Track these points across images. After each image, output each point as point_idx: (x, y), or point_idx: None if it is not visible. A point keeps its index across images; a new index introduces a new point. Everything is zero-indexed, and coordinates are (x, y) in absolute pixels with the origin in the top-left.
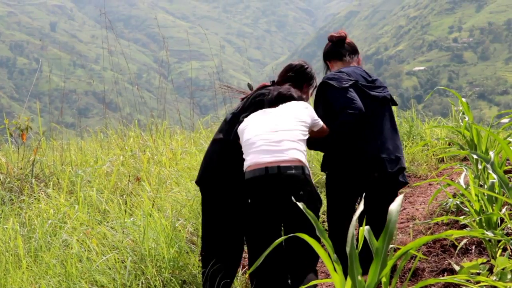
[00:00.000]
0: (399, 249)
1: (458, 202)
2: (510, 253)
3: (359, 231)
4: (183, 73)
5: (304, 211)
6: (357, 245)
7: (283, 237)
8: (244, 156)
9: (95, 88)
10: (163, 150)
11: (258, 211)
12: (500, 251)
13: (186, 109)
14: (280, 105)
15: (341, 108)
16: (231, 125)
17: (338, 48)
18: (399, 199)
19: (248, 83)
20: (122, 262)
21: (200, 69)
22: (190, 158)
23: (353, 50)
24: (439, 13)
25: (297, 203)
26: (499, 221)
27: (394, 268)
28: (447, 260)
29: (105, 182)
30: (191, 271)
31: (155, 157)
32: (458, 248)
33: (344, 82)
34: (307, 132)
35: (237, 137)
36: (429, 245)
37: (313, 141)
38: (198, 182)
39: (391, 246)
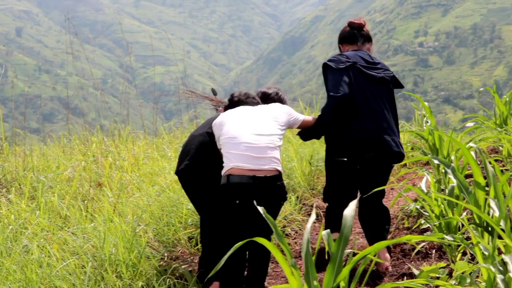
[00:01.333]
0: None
1: (418, 207)
2: (470, 257)
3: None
4: (148, 78)
5: (265, 216)
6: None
7: (243, 241)
8: (225, 151)
9: (60, 94)
10: (125, 156)
11: (244, 212)
12: (459, 255)
13: (151, 114)
14: (259, 106)
15: (329, 90)
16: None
17: (353, 34)
18: (353, 204)
19: (212, 88)
20: (82, 268)
21: (166, 74)
22: (152, 163)
23: (367, 38)
24: (405, 17)
25: (260, 208)
26: (459, 225)
27: (354, 273)
28: (407, 264)
29: (66, 188)
30: (151, 277)
31: (117, 163)
32: (415, 252)
33: (341, 64)
34: (283, 134)
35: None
36: (390, 249)
37: (304, 132)
38: (177, 173)
39: (350, 251)
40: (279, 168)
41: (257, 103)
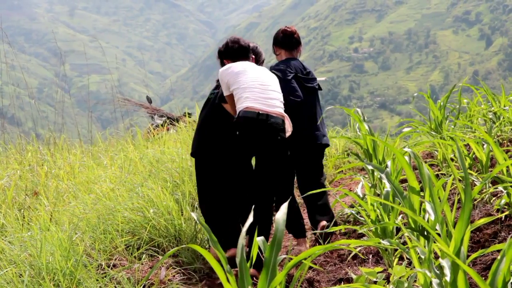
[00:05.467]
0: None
1: (354, 212)
2: (408, 262)
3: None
4: (84, 87)
5: (199, 222)
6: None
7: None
8: (241, 95)
9: None
10: (60, 164)
11: (244, 143)
12: (396, 260)
13: (88, 123)
14: (266, 69)
15: (286, 95)
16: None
17: (286, 40)
18: (284, 208)
19: (147, 96)
20: (20, 276)
21: (101, 83)
22: (87, 172)
23: (297, 43)
24: (339, 23)
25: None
26: (395, 230)
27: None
28: (344, 270)
29: (2, 197)
30: (88, 285)
31: (52, 171)
32: (350, 256)
33: (288, 75)
34: None
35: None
36: (327, 255)
37: None
38: (193, 155)
39: (284, 256)
40: (283, 114)
41: (248, 51)
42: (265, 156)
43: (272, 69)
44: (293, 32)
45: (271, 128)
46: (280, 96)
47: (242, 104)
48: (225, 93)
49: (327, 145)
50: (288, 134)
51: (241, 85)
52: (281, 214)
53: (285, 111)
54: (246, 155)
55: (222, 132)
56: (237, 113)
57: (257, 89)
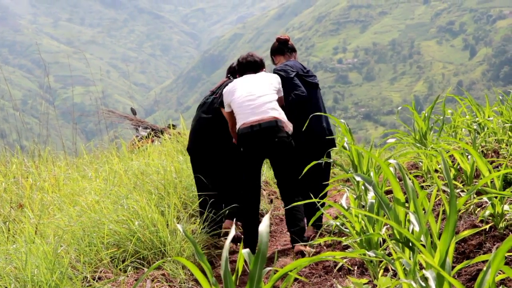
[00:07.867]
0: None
1: (338, 224)
2: (393, 273)
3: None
4: (69, 98)
5: (185, 235)
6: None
7: None
8: (236, 113)
9: None
10: (45, 176)
11: (248, 156)
12: (382, 271)
13: (72, 135)
14: (258, 73)
15: (290, 91)
16: (209, 105)
17: (282, 47)
18: (266, 219)
19: (132, 108)
20: None
21: (86, 95)
22: (72, 184)
23: (293, 49)
24: (323, 34)
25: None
26: (380, 241)
27: None
28: (329, 282)
29: None
30: None
31: (37, 184)
32: (337, 268)
33: (290, 73)
34: (277, 94)
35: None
36: (312, 266)
37: None
38: (189, 150)
39: (270, 268)
40: (276, 115)
41: (258, 66)
42: (273, 161)
43: (276, 69)
44: (287, 39)
45: (265, 133)
46: (271, 97)
47: (238, 123)
48: (226, 110)
49: (332, 140)
50: (287, 129)
51: (235, 105)
52: (264, 226)
53: (290, 107)
54: (253, 165)
55: (215, 132)
56: (237, 131)
57: (246, 103)
